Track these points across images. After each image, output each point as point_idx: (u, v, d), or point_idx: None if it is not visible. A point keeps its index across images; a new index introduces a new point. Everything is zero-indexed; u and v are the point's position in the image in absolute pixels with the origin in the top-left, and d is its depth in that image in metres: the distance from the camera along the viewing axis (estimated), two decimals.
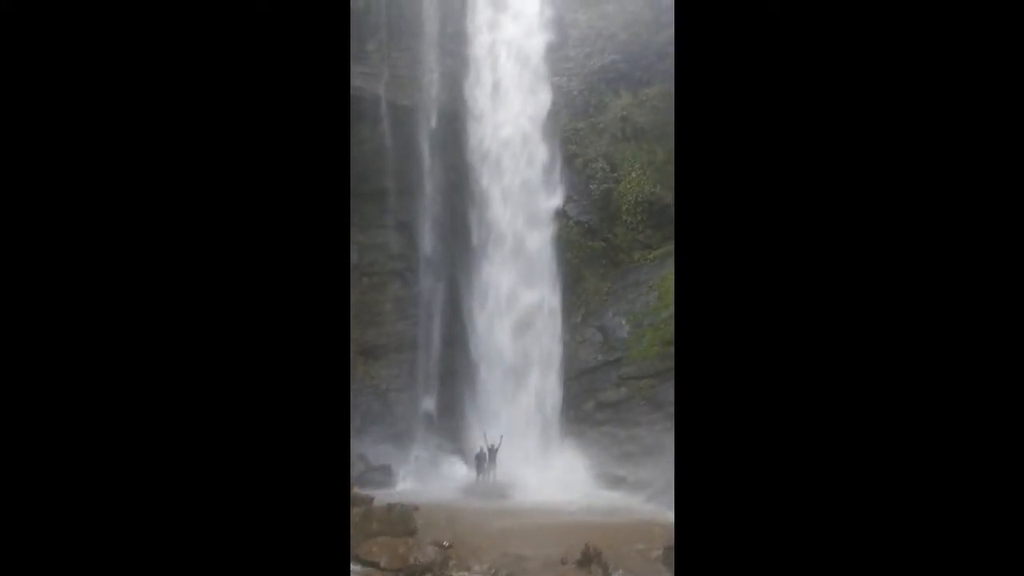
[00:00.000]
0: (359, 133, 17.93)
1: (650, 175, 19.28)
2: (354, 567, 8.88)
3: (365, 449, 16.40)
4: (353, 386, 15.88)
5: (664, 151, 19.39)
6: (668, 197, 18.81)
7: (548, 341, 18.99)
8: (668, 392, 17.51)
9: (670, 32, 19.41)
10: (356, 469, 14.93)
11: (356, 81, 17.53)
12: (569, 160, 19.99)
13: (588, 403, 18.31)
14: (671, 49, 19.36)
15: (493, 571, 9.73)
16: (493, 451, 16.57)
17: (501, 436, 16.90)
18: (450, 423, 18.78)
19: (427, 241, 19.63)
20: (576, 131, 20.26)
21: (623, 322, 18.69)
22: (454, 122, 19.72)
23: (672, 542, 10.29)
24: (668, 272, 18.63)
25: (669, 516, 13.02)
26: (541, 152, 19.87)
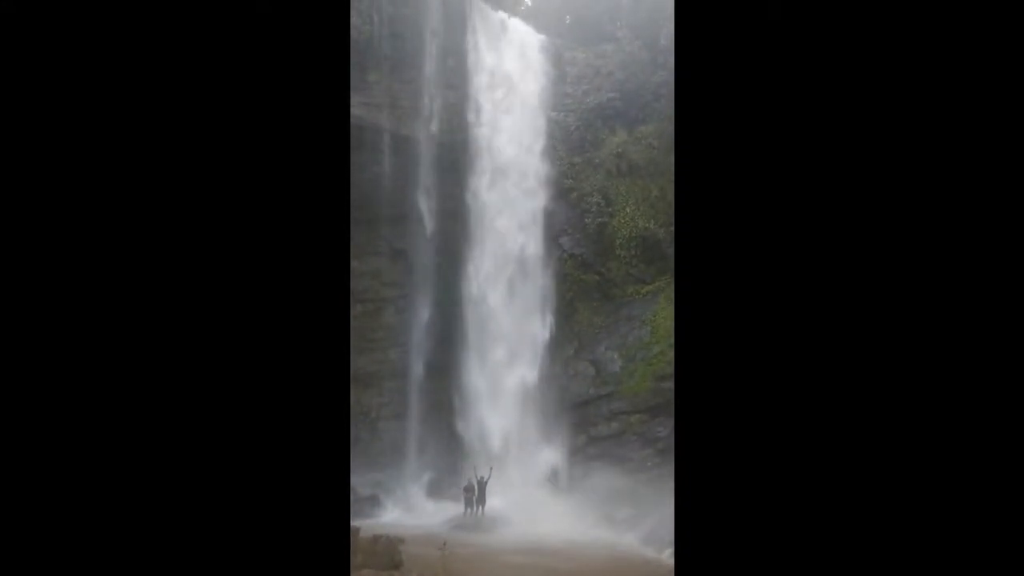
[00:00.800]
0: (357, 161, 18.12)
1: (644, 211, 19.51)
2: None
3: (353, 478, 16.19)
4: None
5: (658, 187, 19.67)
6: (661, 233, 19.03)
7: (540, 373, 18.95)
8: (659, 428, 17.45)
9: (665, 73, 19.89)
10: None
11: (357, 110, 17.80)
12: (565, 194, 20.22)
13: (580, 437, 18.20)
14: (666, 89, 19.80)
15: None
16: (482, 484, 16.39)
17: (491, 468, 16.74)
18: (440, 454, 18.58)
19: (422, 269, 19.70)
20: (572, 165, 20.55)
21: (615, 356, 18.70)
22: (452, 153, 19.97)
23: None
24: (660, 307, 18.72)
25: (659, 555, 12.88)
26: (537, 185, 20.12)
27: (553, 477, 16.40)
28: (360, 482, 16.38)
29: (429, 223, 19.75)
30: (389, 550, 10.72)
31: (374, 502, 16.38)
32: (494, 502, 16.19)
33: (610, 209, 19.80)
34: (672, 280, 18.46)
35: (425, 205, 19.74)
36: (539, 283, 19.59)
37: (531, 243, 19.85)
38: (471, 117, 20.27)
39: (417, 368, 19.29)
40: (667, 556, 12.15)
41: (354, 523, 12.28)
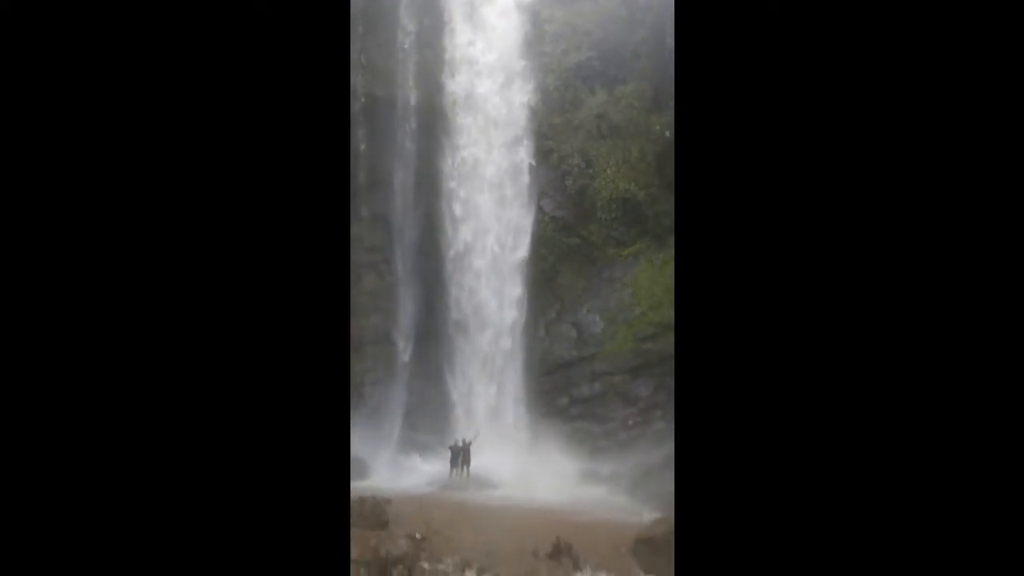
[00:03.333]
0: None
1: (625, 173, 19.44)
2: None
3: None
4: None
5: (638, 149, 19.57)
6: (642, 195, 19.02)
7: (522, 335, 19.07)
8: (641, 388, 17.73)
9: (645, 31, 19.60)
10: None
11: None
12: (545, 156, 20.06)
13: (562, 398, 18.44)
14: (646, 48, 19.56)
15: (464, 563, 9.77)
16: (467, 446, 16.61)
17: (477, 431, 16.94)
18: (425, 416, 18.75)
19: (402, 234, 19.55)
20: (552, 126, 20.32)
21: (597, 318, 18.84)
22: (429, 115, 19.64)
23: (642, 534, 10.43)
24: (641, 269, 18.82)
25: (640, 510, 13.22)
26: (517, 145, 19.91)
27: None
28: None
29: (407, 187, 19.52)
30: (376, 511, 10.89)
31: (360, 464, 16.51)
32: (479, 462, 16.42)
33: (591, 171, 19.69)
34: (652, 242, 18.56)
35: (402, 169, 19.48)
36: (520, 246, 19.55)
37: (512, 206, 19.73)
38: (447, 78, 19.89)
39: (400, 333, 19.29)
40: (650, 510, 12.47)
41: None
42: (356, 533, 10.03)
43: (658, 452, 14.75)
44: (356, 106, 19.09)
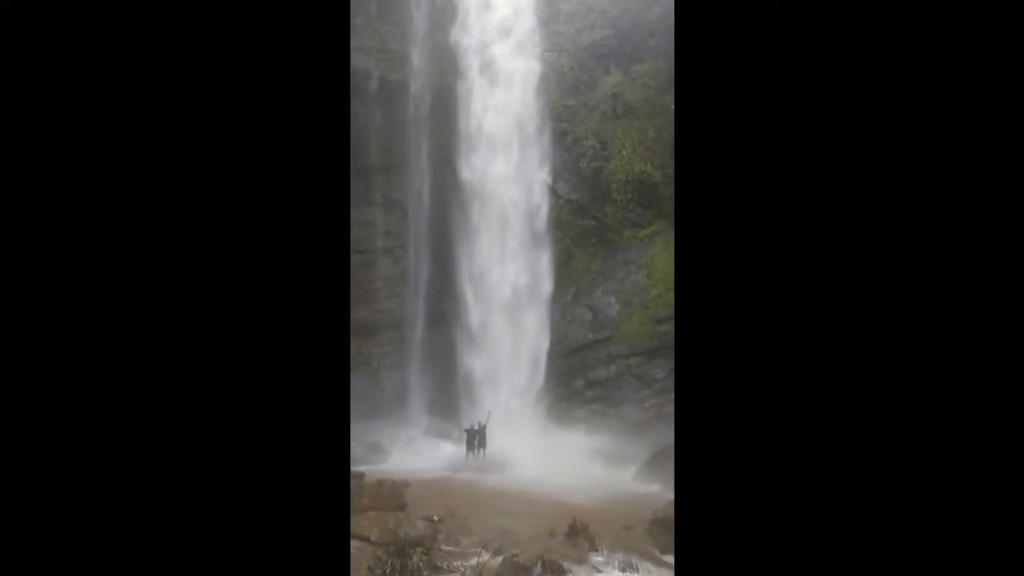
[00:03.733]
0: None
1: (640, 153, 19.23)
2: None
3: (356, 426, 16.48)
4: None
5: (654, 129, 19.33)
6: (658, 176, 18.83)
7: (538, 319, 19.07)
8: (656, 370, 17.70)
9: (660, 8, 19.26)
10: None
11: None
12: (559, 137, 19.90)
13: (578, 381, 18.47)
14: (662, 25, 19.23)
15: (482, 544, 9.89)
16: (483, 428, 16.73)
17: (489, 412, 17.04)
18: (441, 400, 18.89)
19: (416, 218, 19.57)
20: (566, 108, 20.13)
21: (612, 301, 18.79)
22: (445, 97, 19.54)
23: (657, 515, 10.48)
24: (657, 251, 18.69)
25: (655, 490, 13.26)
26: (531, 128, 19.77)
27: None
28: (364, 429, 16.68)
29: (423, 171, 19.49)
30: (394, 493, 11.03)
31: (377, 448, 16.73)
32: (495, 445, 16.55)
33: (606, 152, 19.51)
34: (669, 224, 18.40)
35: (417, 153, 19.44)
36: (535, 229, 19.48)
37: (526, 189, 19.64)
38: (461, 60, 19.75)
39: (414, 317, 19.38)
40: (665, 491, 12.51)
41: (360, 468, 12.61)
42: (375, 515, 10.20)
43: (673, 434, 14.76)
44: (370, 89, 19.05)
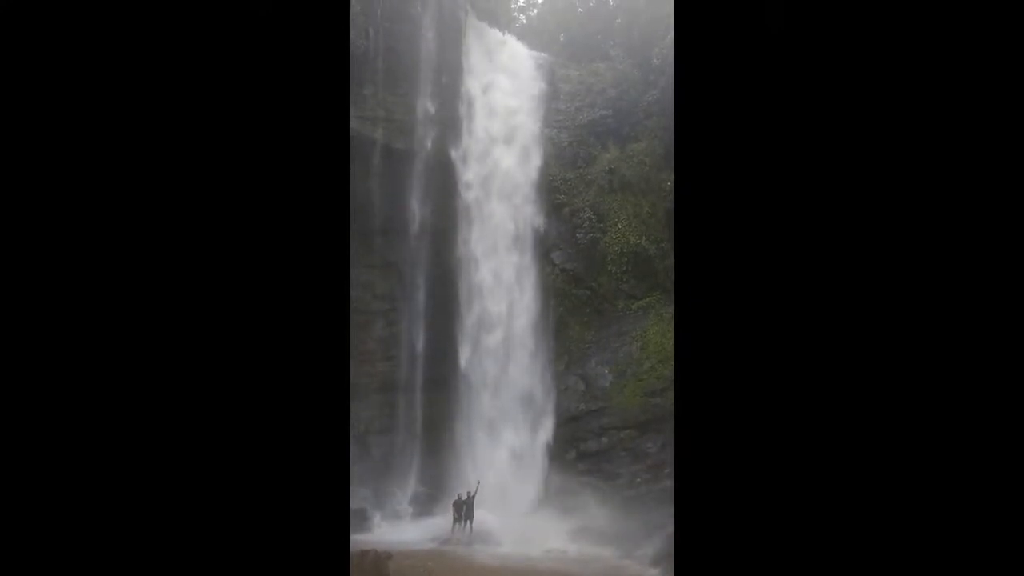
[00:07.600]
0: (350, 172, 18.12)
1: (635, 227, 19.62)
2: None
3: None
4: None
5: (649, 205, 19.81)
6: (652, 249, 19.15)
7: (531, 389, 18.93)
8: (649, 443, 17.44)
9: (657, 92, 20.10)
10: None
11: (351, 123, 17.84)
12: (556, 209, 20.33)
13: (570, 452, 18.15)
14: (658, 108, 20.00)
15: None
16: (471, 499, 16.30)
17: (478, 482, 16.66)
18: (429, 470, 18.47)
19: (412, 282, 19.69)
20: (565, 181, 20.65)
21: (606, 371, 18.71)
22: (444, 167, 20.04)
23: None
24: (651, 323, 18.77)
25: (649, 570, 12.82)
26: (529, 200, 20.22)
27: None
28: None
29: (421, 236, 19.77)
30: (377, 565, 10.65)
31: (362, 516, 16.21)
32: (482, 518, 16.08)
33: (602, 225, 19.90)
34: (663, 296, 18.57)
35: (417, 218, 19.78)
36: (530, 298, 19.62)
37: (523, 258, 19.89)
38: (464, 132, 20.38)
39: (407, 382, 19.20)
40: (658, 572, 12.11)
41: None
42: None
43: (664, 511, 14.42)
44: (375, 157, 19.54)
